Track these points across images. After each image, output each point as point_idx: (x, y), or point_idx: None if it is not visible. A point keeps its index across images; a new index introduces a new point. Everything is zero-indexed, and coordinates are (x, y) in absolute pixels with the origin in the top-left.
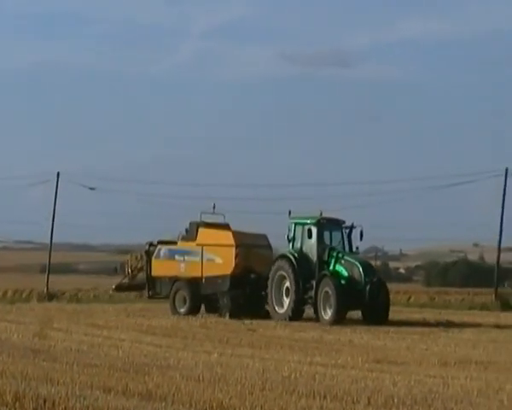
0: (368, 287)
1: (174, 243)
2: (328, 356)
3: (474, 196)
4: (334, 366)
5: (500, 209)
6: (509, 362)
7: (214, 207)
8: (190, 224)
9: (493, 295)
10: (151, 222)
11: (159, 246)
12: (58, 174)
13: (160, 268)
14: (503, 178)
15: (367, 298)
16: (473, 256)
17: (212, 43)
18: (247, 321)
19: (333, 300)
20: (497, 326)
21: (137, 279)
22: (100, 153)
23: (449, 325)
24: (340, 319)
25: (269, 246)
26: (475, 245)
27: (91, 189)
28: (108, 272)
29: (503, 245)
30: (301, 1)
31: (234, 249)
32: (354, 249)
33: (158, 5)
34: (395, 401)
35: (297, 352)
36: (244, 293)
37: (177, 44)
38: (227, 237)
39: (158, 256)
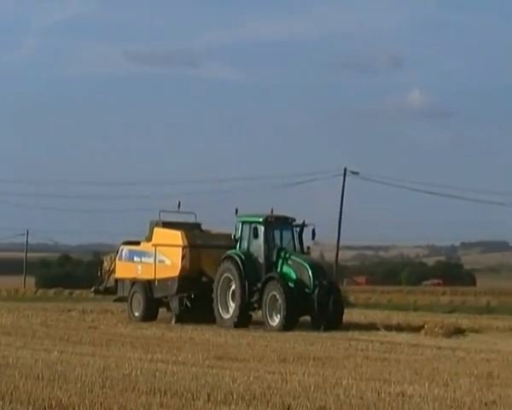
0: (317, 290)
1: (137, 243)
2: (170, 353)
3: (314, 195)
4: (174, 362)
5: (339, 208)
6: (344, 358)
7: (179, 206)
8: (150, 223)
9: None
10: None
11: (121, 247)
12: None
13: (122, 270)
14: (342, 177)
15: (316, 303)
16: (313, 254)
17: (56, 40)
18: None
19: (281, 305)
20: None
21: (111, 282)
22: None
23: None
24: (289, 327)
25: (230, 247)
26: (315, 243)
27: None
28: None
29: (341, 243)
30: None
31: (181, 250)
32: (305, 249)
33: None
34: (234, 396)
35: (138, 349)
36: (190, 297)
37: (18, 40)
38: (176, 238)
39: (120, 258)
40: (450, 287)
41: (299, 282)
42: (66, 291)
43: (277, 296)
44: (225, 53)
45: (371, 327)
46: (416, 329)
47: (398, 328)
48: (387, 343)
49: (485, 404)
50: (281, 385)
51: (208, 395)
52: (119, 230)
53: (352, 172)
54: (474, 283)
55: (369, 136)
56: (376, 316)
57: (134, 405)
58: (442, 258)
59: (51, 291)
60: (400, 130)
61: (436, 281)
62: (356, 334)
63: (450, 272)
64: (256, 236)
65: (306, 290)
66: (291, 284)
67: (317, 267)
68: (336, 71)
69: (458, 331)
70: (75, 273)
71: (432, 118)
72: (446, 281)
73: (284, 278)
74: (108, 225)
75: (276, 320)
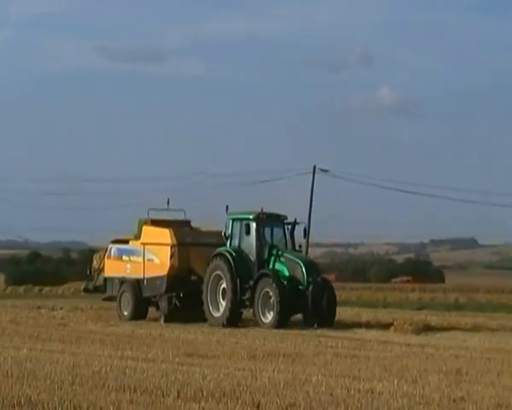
0: (311, 288)
1: (126, 241)
2: (139, 350)
3: (283, 193)
4: (144, 359)
5: (308, 205)
6: (314, 355)
7: (168, 203)
8: (139, 221)
9: None
10: None
11: (110, 245)
12: None
13: (110, 268)
14: (311, 175)
15: (310, 300)
16: None
17: (27, 34)
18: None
19: (274, 301)
20: None
21: (101, 280)
22: None
23: None
24: (282, 324)
25: (220, 245)
26: None
27: None
28: None
29: (310, 241)
30: None
31: (169, 248)
32: (297, 247)
33: None
34: (204, 393)
35: (108, 346)
36: (179, 296)
37: None
38: (165, 236)
39: (109, 256)
40: (419, 284)
41: (292, 279)
42: (36, 288)
43: (270, 293)
44: (192, 49)
45: (341, 324)
46: (386, 326)
47: (368, 325)
48: (357, 340)
49: (454, 400)
50: (251, 382)
51: (178, 392)
52: (90, 227)
53: (322, 170)
54: (442, 280)
55: (339, 133)
56: (346, 313)
57: (104, 402)
58: (411, 255)
59: (21, 288)
60: (370, 127)
61: (405, 278)
62: (326, 331)
63: (420, 269)
64: (248, 233)
65: (300, 287)
66: (284, 281)
67: (311, 264)
68: (306, 69)
69: (427, 328)
70: (45, 270)
71: (401, 115)
72: (415, 278)
73: (277, 275)
74: (79, 222)
75: (268, 317)
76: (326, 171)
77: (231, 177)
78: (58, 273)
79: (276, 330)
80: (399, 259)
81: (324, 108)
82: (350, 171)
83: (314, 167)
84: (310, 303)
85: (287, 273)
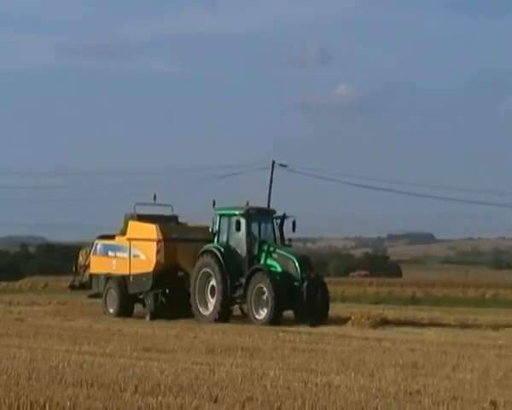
0: (305, 283)
1: (112, 237)
2: (97, 345)
3: (242, 188)
4: (102, 354)
5: (266, 199)
6: (272, 349)
7: (155, 198)
8: (125, 216)
9: None
10: None
11: (96, 241)
12: None
13: (96, 265)
14: (270, 170)
15: (305, 296)
16: None
17: None
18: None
19: (268, 297)
20: None
21: (87, 277)
22: None
23: None
24: (276, 320)
25: (208, 240)
26: None
27: None
28: None
29: None
30: None
31: (155, 244)
32: (287, 242)
33: None
34: (162, 388)
35: (66, 341)
36: (165, 293)
37: None
38: (151, 231)
39: (95, 252)
40: (376, 278)
41: (285, 275)
42: None
43: (264, 289)
44: (156, 45)
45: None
46: (343, 320)
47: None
48: (315, 334)
49: (410, 393)
50: (208, 376)
51: (136, 387)
52: (48, 221)
53: (281, 165)
54: (400, 274)
55: (299, 129)
56: None
57: (61, 397)
58: (369, 250)
59: None
60: (328, 124)
61: (363, 272)
62: (284, 325)
63: (377, 263)
64: (237, 229)
65: (295, 283)
66: (277, 277)
67: (304, 260)
68: (266, 65)
69: (384, 322)
70: (1, 265)
71: (359, 111)
72: (373, 272)
73: (270, 270)
74: (37, 216)
75: (262, 314)
76: (285, 166)
77: (190, 172)
78: (15, 268)
79: (234, 325)
80: (357, 253)
81: (285, 104)
82: (309, 166)
83: (273, 162)
84: (305, 299)
85: (279, 269)
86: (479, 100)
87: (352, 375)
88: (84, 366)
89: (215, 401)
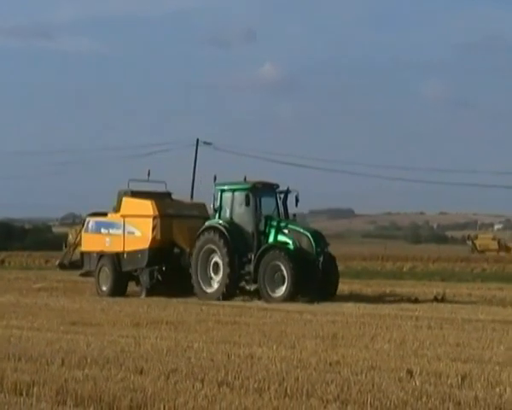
0: (321, 258)
1: (105, 214)
2: (25, 319)
3: (166, 165)
4: (30, 328)
5: (191, 177)
6: (196, 322)
7: (149, 175)
8: (118, 193)
9: None
10: None
11: (87, 218)
12: None
13: (88, 243)
14: (195, 147)
15: (320, 271)
16: None
17: None
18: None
19: (287, 274)
20: None
21: (77, 255)
22: None
23: None
24: (294, 296)
25: (203, 217)
26: None
27: None
28: None
29: None
30: None
31: (151, 221)
32: (291, 217)
33: None
34: (88, 360)
35: None
36: (161, 269)
37: None
38: (146, 208)
39: (87, 230)
40: None
41: (299, 251)
42: None
43: (282, 267)
44: (82, 26)
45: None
46: None
47: (249, 293)
48: (238, 307)
49: (330, 364)
50: (134, 349)
51: (62, 360)
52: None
53: (205, 143)
54: None
55: (225, 108)
56: None
57: None
58: None
59: None
60: (252, 103)
61: None
62: (208, 300)
63: None
64: (243, 204)
65: (310, 259)
66: (292, 254)
67: (318, 235)
68: (193, 45)
69: None
70: None
71: (282, 90)
72: None
73: (286, 247)
74: None
75: (278, 292)
76: (209, 144)
77: (115, 151)
78: None
79: (158, 299)
80: None
81: (211, 85)
82: (234, 144)
83: (197, 140)
84: (321, 274)
85: (292, 245)
86: (400, 80)
87: (274, 347)
88: (12, 339)
89: (140, 372)
